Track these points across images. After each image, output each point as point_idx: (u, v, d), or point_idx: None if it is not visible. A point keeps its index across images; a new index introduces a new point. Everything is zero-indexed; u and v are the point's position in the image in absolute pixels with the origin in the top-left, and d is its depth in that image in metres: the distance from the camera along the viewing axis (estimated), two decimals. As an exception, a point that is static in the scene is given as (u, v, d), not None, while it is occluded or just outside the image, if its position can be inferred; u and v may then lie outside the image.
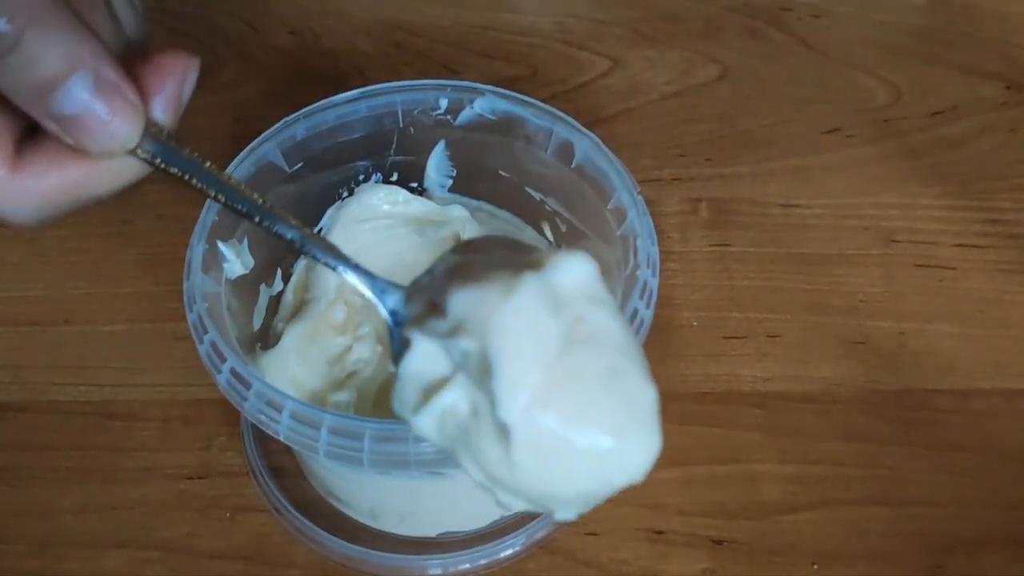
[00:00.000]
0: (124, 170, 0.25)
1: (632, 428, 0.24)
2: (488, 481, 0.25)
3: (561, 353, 0.24)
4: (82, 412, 0.40)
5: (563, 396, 0.24)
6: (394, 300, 0.28)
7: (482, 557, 0.37)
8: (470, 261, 0.26)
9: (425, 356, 0.26)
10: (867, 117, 0.51)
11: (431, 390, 0.25)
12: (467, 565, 0.37)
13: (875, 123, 0.50)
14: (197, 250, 0.33)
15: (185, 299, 0.33)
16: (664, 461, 0.39)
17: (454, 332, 0.25)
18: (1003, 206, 0.47)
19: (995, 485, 0.39)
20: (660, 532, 0.38)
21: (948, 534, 0.37)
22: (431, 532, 0.37)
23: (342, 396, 0.36)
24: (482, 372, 0.24)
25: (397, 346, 0.27)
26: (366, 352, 0.37)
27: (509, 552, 0.37)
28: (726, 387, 0.41)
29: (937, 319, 0.43)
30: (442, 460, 0.30)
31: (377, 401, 0.37)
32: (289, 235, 0.26)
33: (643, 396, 0.25)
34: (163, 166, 0.25)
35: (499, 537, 0.37)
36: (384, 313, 0.28)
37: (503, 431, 0.24)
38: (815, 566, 0.37)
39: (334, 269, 0.28)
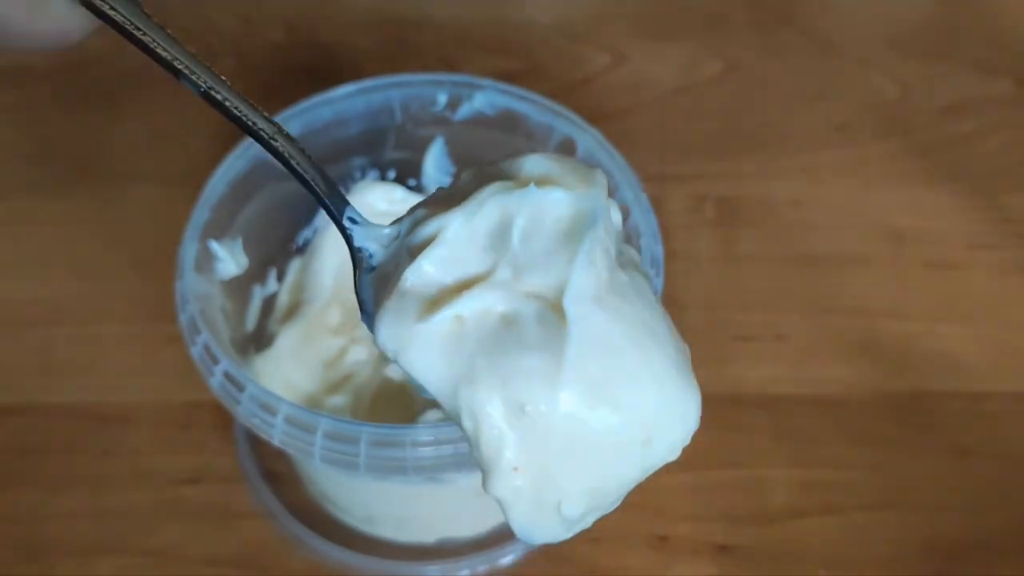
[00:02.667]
0: (67, 17, 0.24)
1: (687, 377, 0.23)
2: (504, 427, 0.22)
3: (620, 267, 0.23)
4: (73, 416, 0.40)
5: (627, 310, 0.22)
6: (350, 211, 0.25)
7: (481, 564, 0.36)
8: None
9: (453, 251, 0.23)
10: (876, 114, 0.50)
11: (446, 295, 0.22)
12: (466, 572, 0.36)
13: (884, 120, 0.50)
14: (189, 250, 0.33)
15: (177, 300, 0.32)
16: (668, 465, 0.39)
17: (540, 183, 0.23)
18: (1013, 204, 0.47)
19: (1006, 489, 0.38)
20: (664, 538, 0.37)
21: (958, 539, 0.37)
22: (429, 538, 0.37)
23: (338, 399, 0.36)
24: (553, 247, 0.22)
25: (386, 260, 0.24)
26: (362, 354, 0.37)
27: (509, 559, 0.36)
28: (733, 389, 0.41)
29: (947, 320, 0.43)
30: (441, 466, 0.30)
31: (374, 405, 0.36)
32: (256, 124, 0.25)
33: (682, 344, 0.24)
34: (111, 12, 0.23)
35: (499, 544, 0.36)
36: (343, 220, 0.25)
37: (557, 333, 0.21)
38: (823, 572, 0.36)
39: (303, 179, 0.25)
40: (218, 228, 0.34)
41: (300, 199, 0.38)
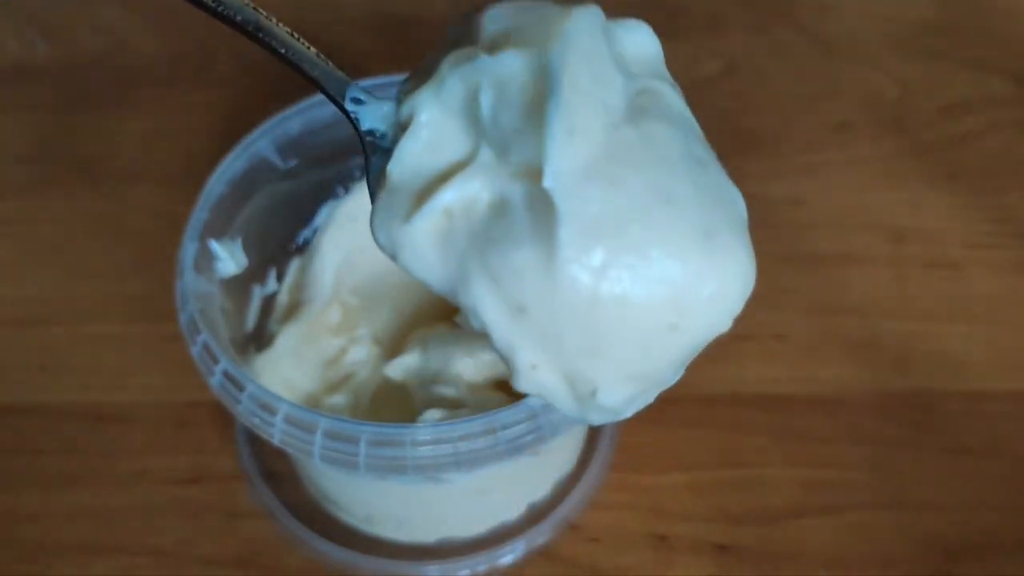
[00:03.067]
0: None
1: (725, 241, 0.20)
2: (509, 329, 0.19)
3: (628, 122, 0.19)
4: (72, 415, 0.40)
5: (631, 177, 0.19)
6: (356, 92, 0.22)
7: (481, 564, 0.36)
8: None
9: (431, 134, 0.20)
10: (875, 113, 0.50)
11: (433, 186, 0.20)
12: (466, 572, 0.36)
13: (883, 119, 0.50)
14: (189, 249, 0.33)
15: (177, 300, 0.32)
16: (668, 465, 0.39)
17: (493, 48, 0.19)
18: (1014, 204, 0.46)
19: (1006, 489, 0.38)
20: (664, 538, 0.37)
21: (959, 539, 0.37)
22: (429, 538, 0.36)
23: (337, 399, 0.36)
24: (524, 120, 0.18)
25: (376, 159, 0.22)
26: (362, 354, 0.37)
27: (509, 559, 0.36)
28: (732, 389, 0.41)
29: (947, 320, 0.43)
30: (441, 465, 0.30)
31: (373, 404, 0.36)
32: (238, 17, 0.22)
33: (731, 197, 0.20)
34: None
35: (499, 543, 0.36)
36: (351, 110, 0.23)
37: (545, 219, 0.18)
38: (823, 572, 0.36)
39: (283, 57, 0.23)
40: (218, 227, 0.34)
41: (300, 198, 0.38)
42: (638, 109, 0.20)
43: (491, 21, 0.20)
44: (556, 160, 0.18)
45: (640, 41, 0.21)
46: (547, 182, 0.18)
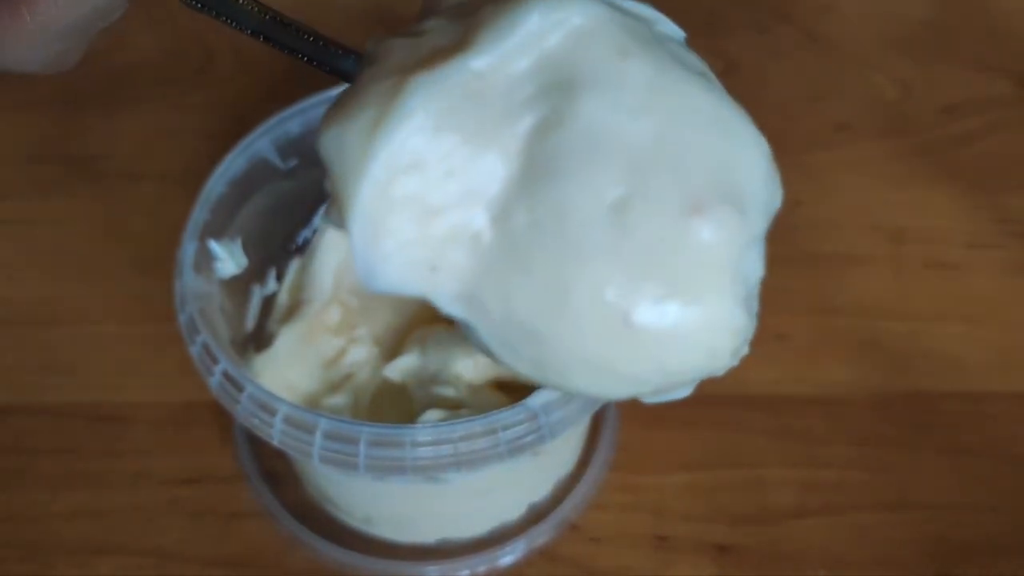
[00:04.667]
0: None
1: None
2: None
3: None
4: (72, 415, 0.40)
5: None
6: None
7: (481, 564, 0.36)
8: None
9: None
10: (876, 113, 0.50)
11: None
12: (466, 572, 0.36)
13: (884, 119, 0.50)
14: (188, 249, 0.33)
15: (176, 300, 0.32)
16: (669, 465, 0.39)
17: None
18: (1014, 204, 0.46)
19: (1007, 490, 0.38)
20: (664, 538, 0.37)
21: (959, 540, 0.37)
22: (429, 539, 0.36)
23: (337, 399, 0.36)
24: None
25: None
26: (362, 354, 0.37)
27: (509, 559, 0.36)
28: (732, 390, 0.40)
29: (948, 320, 0.42)
30: (440, 466, 0.30)
31: (373, 405, 0.36)
32: None
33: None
34: None
35: (499, 544, 0.36)
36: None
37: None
38: (823, 572, 0.36)
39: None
40: (217, 227, 0.34)
41: (300, 198, 0.38)
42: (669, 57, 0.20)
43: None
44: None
45: (674, 26, 0.23)
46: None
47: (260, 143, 0.35)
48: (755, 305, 0.21)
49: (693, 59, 0.22)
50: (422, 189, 0.19)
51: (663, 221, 0.19)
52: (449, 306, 0.20)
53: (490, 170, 0.19)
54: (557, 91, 0.19)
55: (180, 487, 0.38)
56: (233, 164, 0.35)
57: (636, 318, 0.19)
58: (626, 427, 0.39)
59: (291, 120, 0.36)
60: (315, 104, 0.36)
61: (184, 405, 0.39)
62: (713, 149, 0.20)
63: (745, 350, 0.22)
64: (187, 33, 0.52)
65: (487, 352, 0.21)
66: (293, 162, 0.36)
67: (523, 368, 0.21)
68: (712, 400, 0.40)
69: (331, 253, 0.37)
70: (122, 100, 0.50)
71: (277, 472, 0.38)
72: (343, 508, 0.37)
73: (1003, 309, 0.43)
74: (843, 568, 0.36)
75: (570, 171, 0.19)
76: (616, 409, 0.39)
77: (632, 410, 0.39)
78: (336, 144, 0.21)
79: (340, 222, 0.21)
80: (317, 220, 0.38)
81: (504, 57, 0.19)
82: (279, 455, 0.38)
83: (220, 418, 0.39)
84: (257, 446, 0.38)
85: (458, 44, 0.20)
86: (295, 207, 0.38)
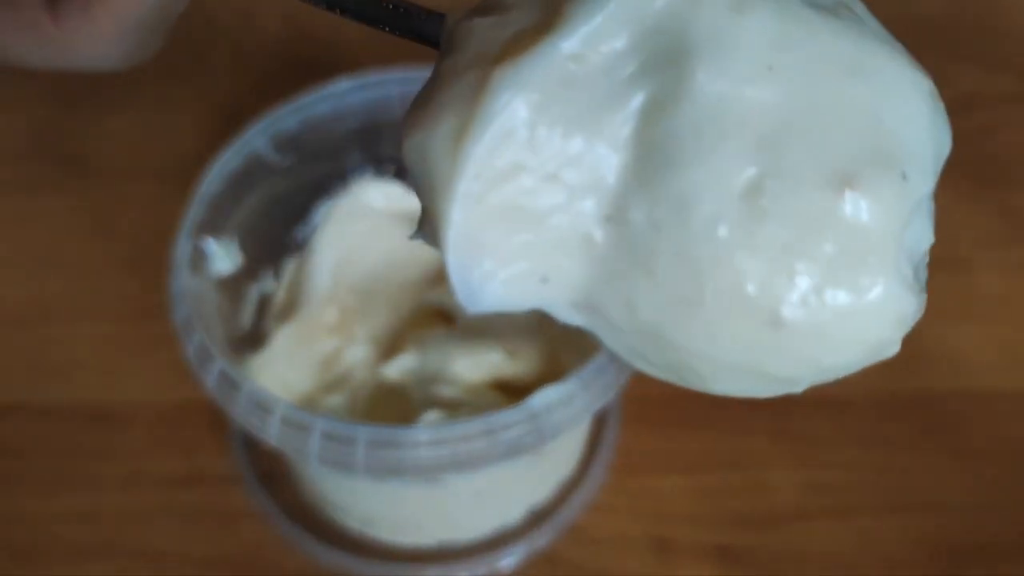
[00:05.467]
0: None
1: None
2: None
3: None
4: (66, 416, 0.39)
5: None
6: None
7: (481, 567, 0.36)
8: None
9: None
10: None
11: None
12: (465, 575, 0.36)
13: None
14: (183, 248, 0.33)
15: (171, 299, 0.32)
16: (670, 467, 0.38)
17: None
18: (1021, 203, 0.46)
19: (1015, 491, 0.38)
20: (666, 541, 0.37)
21: (965, 541, 0.36)
22: (428, 541, 0.36)
23: (335, 399, 0.35)
24: None
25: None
26: (359, 354, 0.37)
27: (509, 562, 0.36)
28: (735, 390, 0.40)
29: (954, 319, 0.42)
30: (439, 467, 0.29)
31: (371, 405, 0.36)
32: None
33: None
34: None
35: (499, 547, 0.36)
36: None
37: None
38: (827, 575, 0.36)
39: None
40: (213, 225, 0.34)
41: (297, 196, 0.37)
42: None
43: None
44: None
45: None
46: None
47: (256, 140, 0.35)
48: (924, 276, 0.19)
49: None
50: (523, 195, 0.17)
51: (806, 201, 0.17)
52: (568, 317, 0.18)
53: (598, 164, 0.17)
54: (665, 64, 0.16)
55: (175, 488, 0.37)
56: (229, 161, 0.34)
57: (785, 314, 0.17)
58: (628, 428, 0.38)
59: (288, 116, 0.36)
60: (313, 100, 0.36)
61: (178, 405, 0.39)
62: (858, 104, 0.17)
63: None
64: (180, 27, 0.51)
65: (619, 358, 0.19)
66: (290, 159, 0.36)
67: (660, 374, 0.19)
68: (714, 401, 0.40)
69: (329, 251, 0.37)
70: (115, 96, 0.49)
71: (273, 473, 0.37)
72: (341, 510, 0.36)
73: (1011, 307, 0.43)
74: (847, 570, 0.36)
75: (689, 156, 0.16)
76: (618, 410, 0.39)
77: (634, 411, 0.39)
78: (420, 154, 0.18)
79: (433, 240, 0.18)
80: (314, 218, 0.38)
81: (599, 32, 0.16)
82: (276, 456, 0.37)
83: (215, 418, 0.39)
84: (253, 447, 0.38)
85: (545, 22, 0.17)
86: (292, 205, 0.37)
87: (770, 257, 0.17)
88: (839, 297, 0.17)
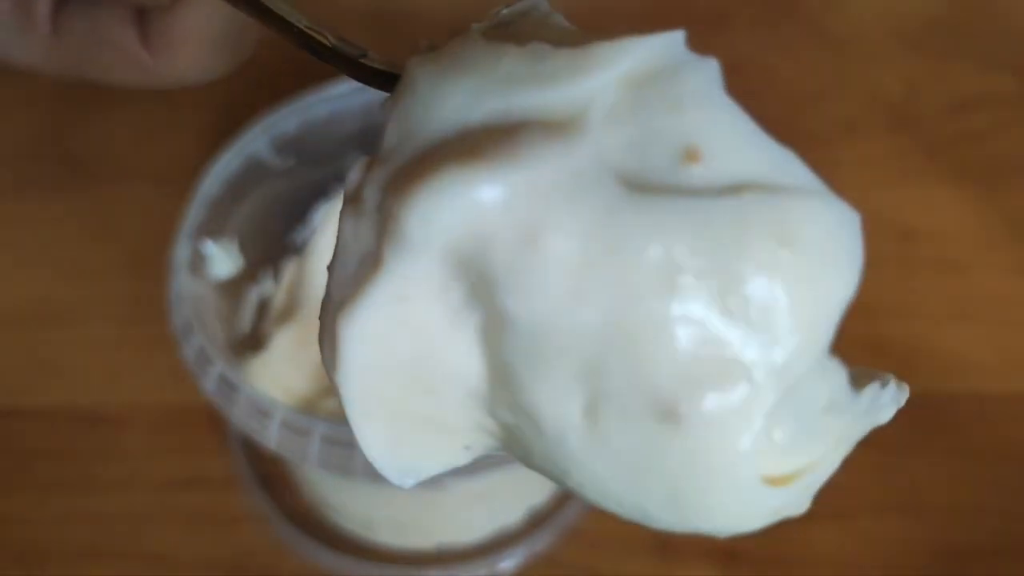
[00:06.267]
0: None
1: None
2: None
3: None
4: (64, 418, 0.39)
5: None
6: None
7: (481, 570, 0.36)
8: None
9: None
10: (883, 111, 0.49)
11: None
12: (465, 578, 0.36)
13: (891, 118, 0.49)
14: (183, 250, 0.33)
15: (170, 301, 0.32)
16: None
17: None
18: (1021, 204, 0.46)
19: (1017, 492, 0.37)
20: (667, 544, 0.36)
21: (967, 542, 0.36)
22: (428, 544, 0.36)
23: (334, 402, 0.35)
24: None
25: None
26: (359, 356, 0.36)
27: (509, 565, 0.36)
28: (736, 392, 0.40)
29: (955, 320, 0.42)
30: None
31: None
32: None
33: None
34: None
35: (499, 549, 0.36)
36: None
37: None
38: (830, 577, 0.36)
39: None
40: (212, 228, 0.34)
41: (297, 198, 0.37)
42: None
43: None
44: None
45: None
46: None
47: (256, 142, 0.35)
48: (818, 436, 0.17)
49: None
50: (412, 405, 0.17)
51: (636, 428, 0.16)
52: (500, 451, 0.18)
53: (464, 374, 0.16)
54: (482, 292, 0.16)
55: (174, 491, 0.37)
56: (228, 163, 0.34)
57: (653, 516, 0.17)
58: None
59: (287, 118, 0.36)
60: (312, 102, 0.36)
61: (177, 408, 0.39)
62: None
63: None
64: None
65: None
66: (290, 161, 0.36)
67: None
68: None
69: (328, 254, 0.37)
70: (115, 98, 0.49)
71: (273, 476, 0.37)
72: (340, 513, 0.36)
73: (1012, 309, 0.42)
74: (850, 572, 0.36)
75: (526, 381, 0.16)
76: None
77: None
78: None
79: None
80: (314, 220, 0.38)
81: (411, 266, 0.16)
82: (275, 459, 0.37)
83: (214, 421, 0.39)
84: (252, 450, 0.38)
85: (373, 255, 0.17)
86: (291, 207, 0.37)
87: (617, 477, 0.16)
88: (690, 519, 0.17)
